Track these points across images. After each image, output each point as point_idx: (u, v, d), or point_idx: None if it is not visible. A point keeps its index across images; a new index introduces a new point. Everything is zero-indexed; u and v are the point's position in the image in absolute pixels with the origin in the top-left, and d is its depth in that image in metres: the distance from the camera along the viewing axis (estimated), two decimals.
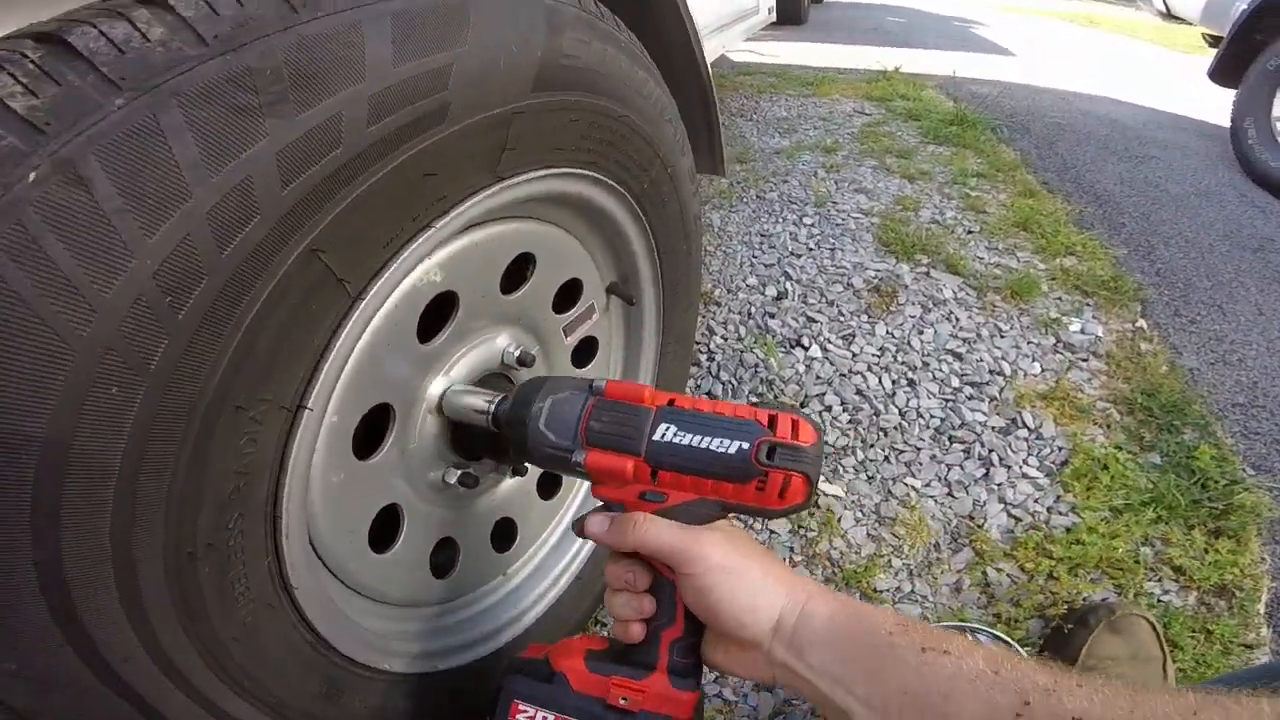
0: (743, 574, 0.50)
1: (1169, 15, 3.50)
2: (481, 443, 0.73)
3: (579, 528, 0.57)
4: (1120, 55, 5.71)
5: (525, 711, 0.56)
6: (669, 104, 0.86)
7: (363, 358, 0.58)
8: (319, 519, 0.59)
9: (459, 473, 0.73)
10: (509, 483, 0.86)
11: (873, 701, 0.43)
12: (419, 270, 0.61)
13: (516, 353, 0.76)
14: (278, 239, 0.42)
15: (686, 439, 0.51)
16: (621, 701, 0.53)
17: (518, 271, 0.75)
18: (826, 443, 1.31)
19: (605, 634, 0.63)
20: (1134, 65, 5.21)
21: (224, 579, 0.49)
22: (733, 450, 0.50)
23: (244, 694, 0.54)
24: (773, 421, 0.52)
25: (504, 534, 0.87)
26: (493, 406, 0.64)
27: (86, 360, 0.36)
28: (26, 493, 0.36)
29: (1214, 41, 3.20)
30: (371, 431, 0.66)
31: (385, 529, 0.70)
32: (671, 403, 0.54)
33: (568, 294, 0.84)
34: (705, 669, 0.57)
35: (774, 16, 2.87)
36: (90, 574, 0.40)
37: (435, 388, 0.70)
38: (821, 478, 1.26)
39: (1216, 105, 3.26)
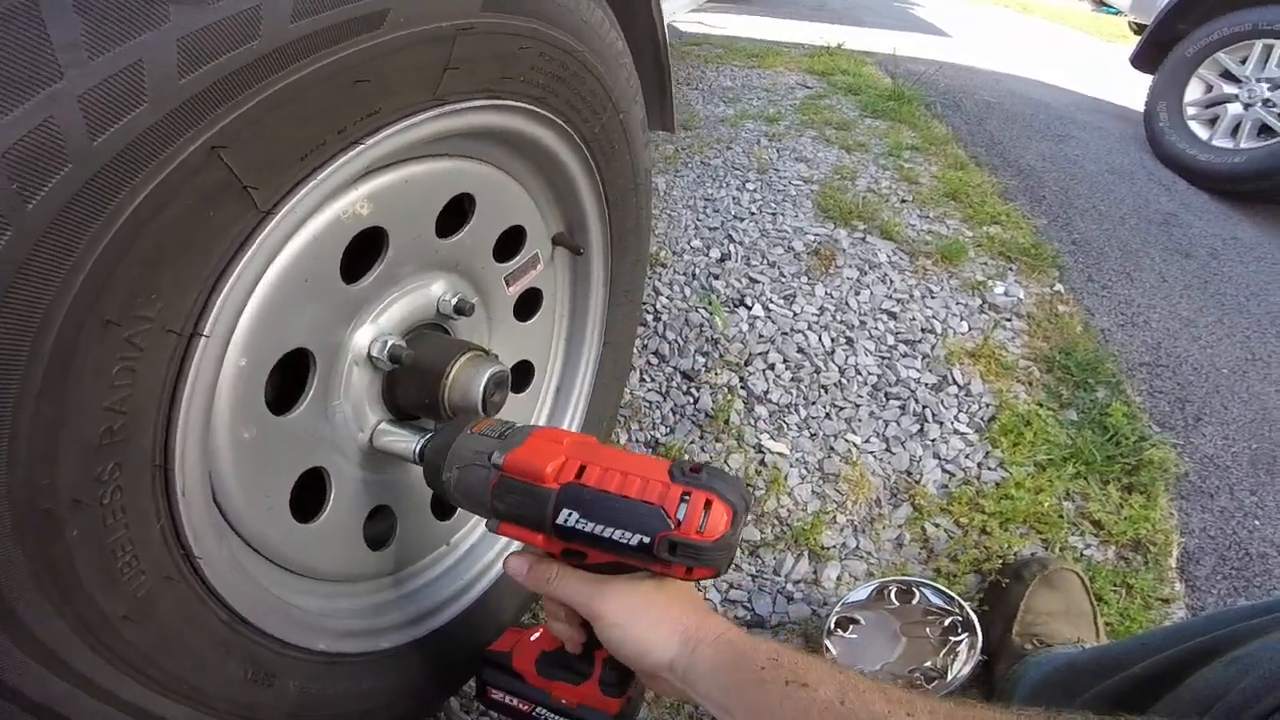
0: (633, 628, 0.55)
1: (1100, 3, 3.65)
2: (416, 401, 0.68)
3: (505, 564, 0.62)
4: (1050, 40, 5.96)
5: (497, 695, 0.67)
6: (624, 50, 0.82)
7: (276, 289, 0.52)
8: (229, 482, 0.53)
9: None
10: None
11: None
12: (345, 200, 0.56)
13: (453, 301, 0.71)
14: (169, 130, 0.38)
15: (589, 527, 0.52)
16: (563, 701, 0.64)
17: (456, 215, 0.70)
18: (772, 402, 1.33)
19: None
20: (1062, 50, 5.45)
21: (103, 545, 0.42)
22: (634, 543, 0.51)
23: (150, 683, 0.47)
24: (687, 499, 0.51)
25: (446, 501, 0.82)
26: (415, 451, 0.65)
27: None
28: None
29: (1140, 29, 3.35)
30: (289, 386, 0.60)
31: (310, 495, 0.64)
32: (582, 470, 0.54)
33: (510, 243, 0.80)
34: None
35: None
36: None
37: (363, 337, 0.64)
38: (767, 435, 1.28)
39: (1132, 91, 3.45)
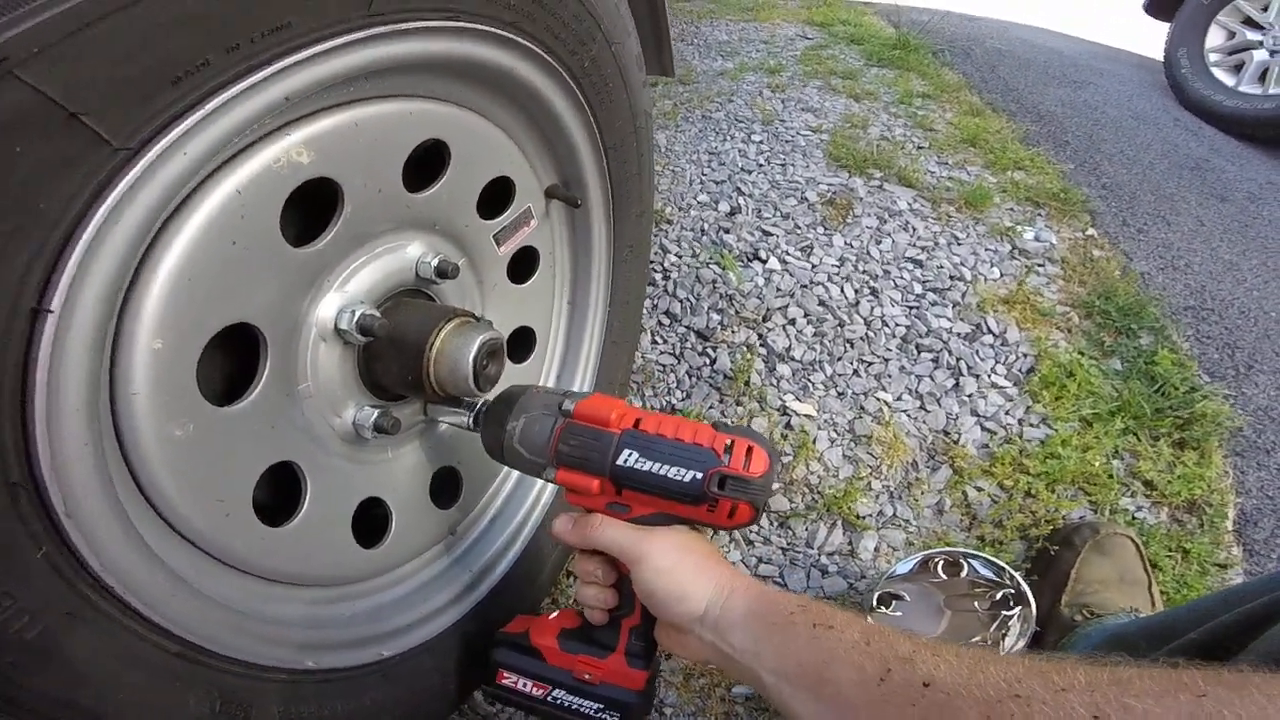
0: (675, 572, 0.57)
1: None
2: (397, 378, 0.61)
3: (549, 531, 0.64)
4: None
5: (509, 679, 0.64)
6: None
7: (192, 254, 0.43)
8: (165, 489, 0.45)
9: (374, 415, 0.59)
10: (446, 425, 0.72)
11: (777, 671, 0.50)
12: (276, 146, 0.46)
13: (434, 262, 0.62)
14: None
15: (646, 465, 0.55)
16: (586, 676, 0.62)
17: (430, 167, 0.62)
18: (794, 359, 1.22)
19: (576, 608, 0.68)
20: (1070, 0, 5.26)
21: None
22: (687, 479, 0.55)
23: None
24: (730, 447, 0.55)
25: (447, 486, 0.74)
26: (471, 415, 0.64)
27: None
28: None
29: None
30: (243, 368, 0.51)
31: (287, 493, 0.56)
32: (638, 423, 0.57)
33: (497, 197, 0.70)
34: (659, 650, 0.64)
35: None
36: None
37: (327, 308, 0.55)
38: (792, 396, 1.18)
39: (1146, 39, 3.32)
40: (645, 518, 0.58)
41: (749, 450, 0.55)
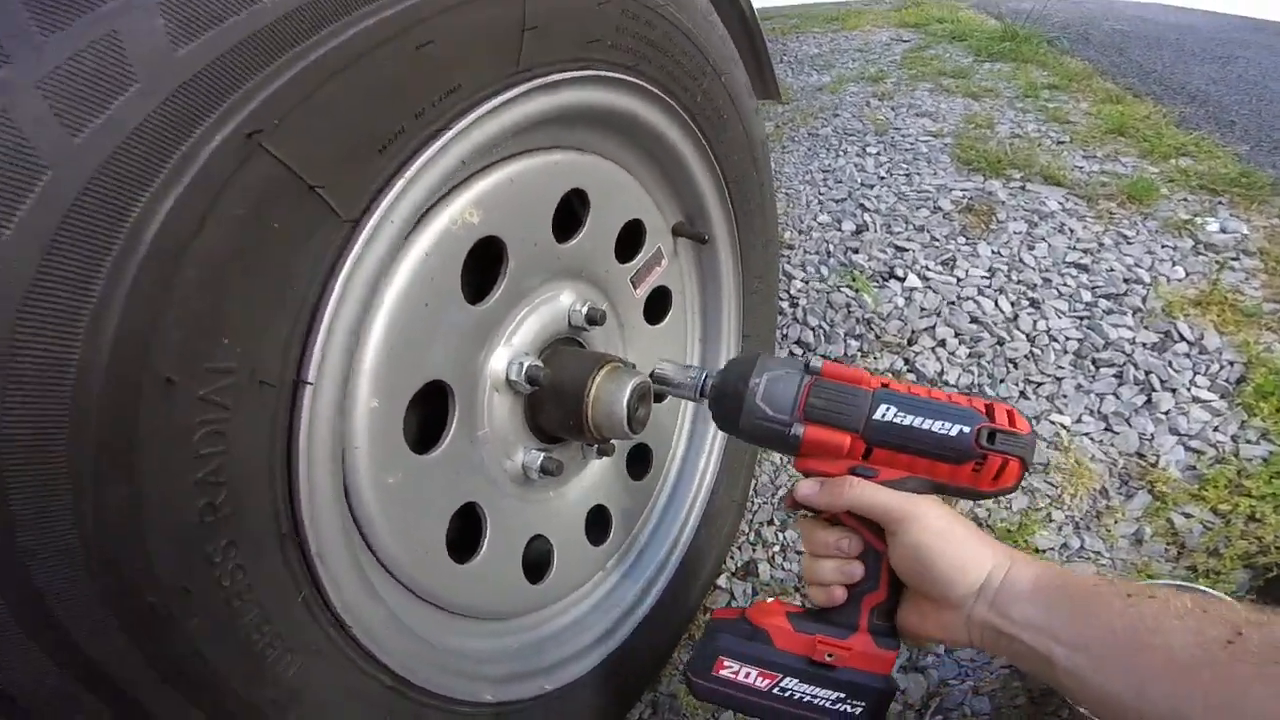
0: (954, 535, 0.51)
1: None
2: (559, 423, 0.65)
3: (788, 499, 0.58)
4: None
5: (730, 667, 0.57)
6: (709, 7, 0.73)
7: (397, 318, 0.46)
8: (381, 532, 0.49)
9: (540, 458, 0.63)
10: (596, 465, 0.76)
11: (1077, 643, 0.44)
12: (452, 207, 0.49)
13: (584, 310, 0.65)
14: (177, 116, 0.29)
15: (907, 419, 0.52)
16: (828, 657, 0.55)
17: (569, 216, 0.65)
18: (949, 385, 1.11)
19: (799, 600, 0.62)
20: None
21: (234, 630, 0.37)
22: (954, 433, 0.52)
23: None
24: (990, 410, 0.53)
25: (598, 524, 0.77)
26: (700, 379, 0.62)
27: None
28: None
29: None
30: (423, 418, 0.55)
31: (464, 533, 0.60)
32: (885, 386, 0.55)
33: (630, 239, 0.73)
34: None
35: None
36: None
37: (499, 360, 0.59)
38: None
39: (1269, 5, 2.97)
40: (895, 483, 0.54)
41: (1009, 413, 0.53)
